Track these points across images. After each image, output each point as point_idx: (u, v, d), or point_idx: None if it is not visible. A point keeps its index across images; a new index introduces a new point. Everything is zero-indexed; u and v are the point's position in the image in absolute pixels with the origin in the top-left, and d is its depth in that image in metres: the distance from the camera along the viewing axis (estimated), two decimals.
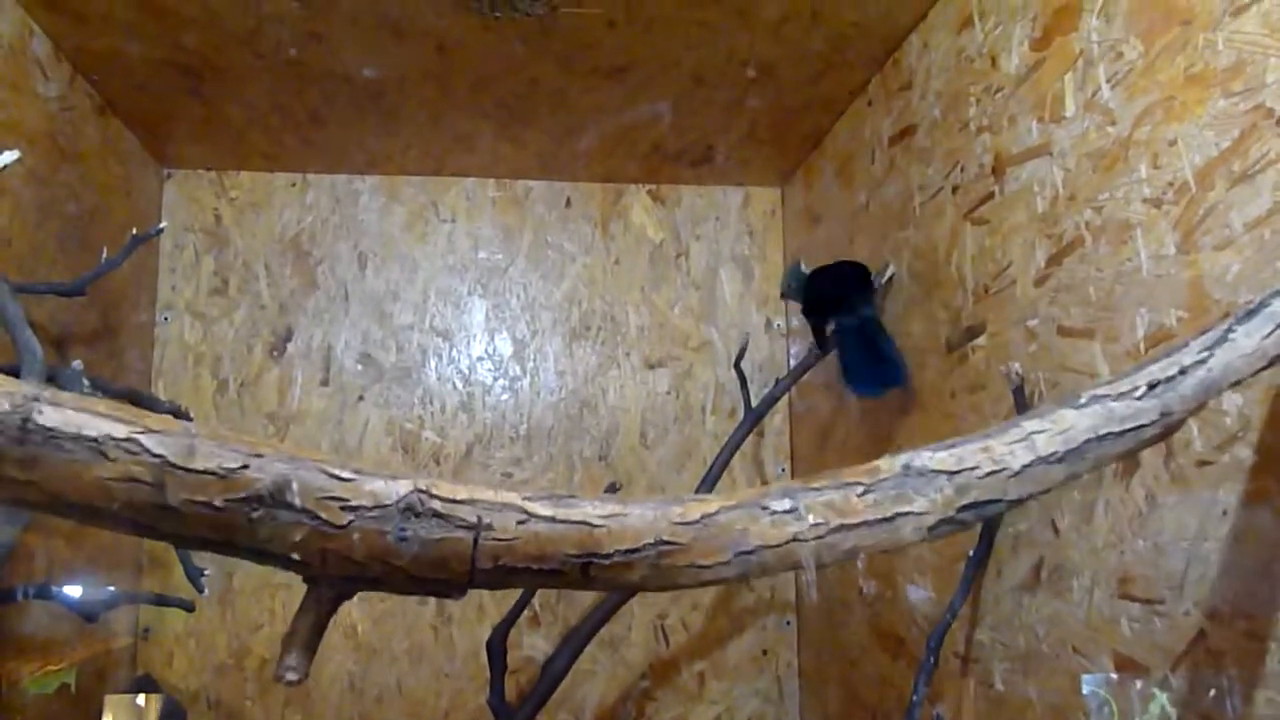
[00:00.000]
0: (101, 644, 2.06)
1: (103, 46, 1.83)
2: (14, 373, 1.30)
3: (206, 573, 1.70)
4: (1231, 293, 1.01)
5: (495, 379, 2.46)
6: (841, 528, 0.84)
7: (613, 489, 1.98)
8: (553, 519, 0.81)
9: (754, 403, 2.05)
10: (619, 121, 2.17)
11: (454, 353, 2.46)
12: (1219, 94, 1.04)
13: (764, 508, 0.84)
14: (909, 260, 1.81)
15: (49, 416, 0.78)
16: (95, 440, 0.78)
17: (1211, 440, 1.03)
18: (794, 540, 0.83)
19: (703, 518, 0.83)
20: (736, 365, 2.07)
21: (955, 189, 1.63)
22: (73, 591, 1.60)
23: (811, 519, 0.84)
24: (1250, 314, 0.89)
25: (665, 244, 2.54)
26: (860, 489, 0.86)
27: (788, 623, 2.44)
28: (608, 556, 0.80)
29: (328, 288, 2.43)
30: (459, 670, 2.34)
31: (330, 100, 2.05)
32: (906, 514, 0.86)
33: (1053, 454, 0.88)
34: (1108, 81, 1.23)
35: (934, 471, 0.87)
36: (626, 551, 0.81)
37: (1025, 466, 0.87)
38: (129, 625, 2.23)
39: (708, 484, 1.99)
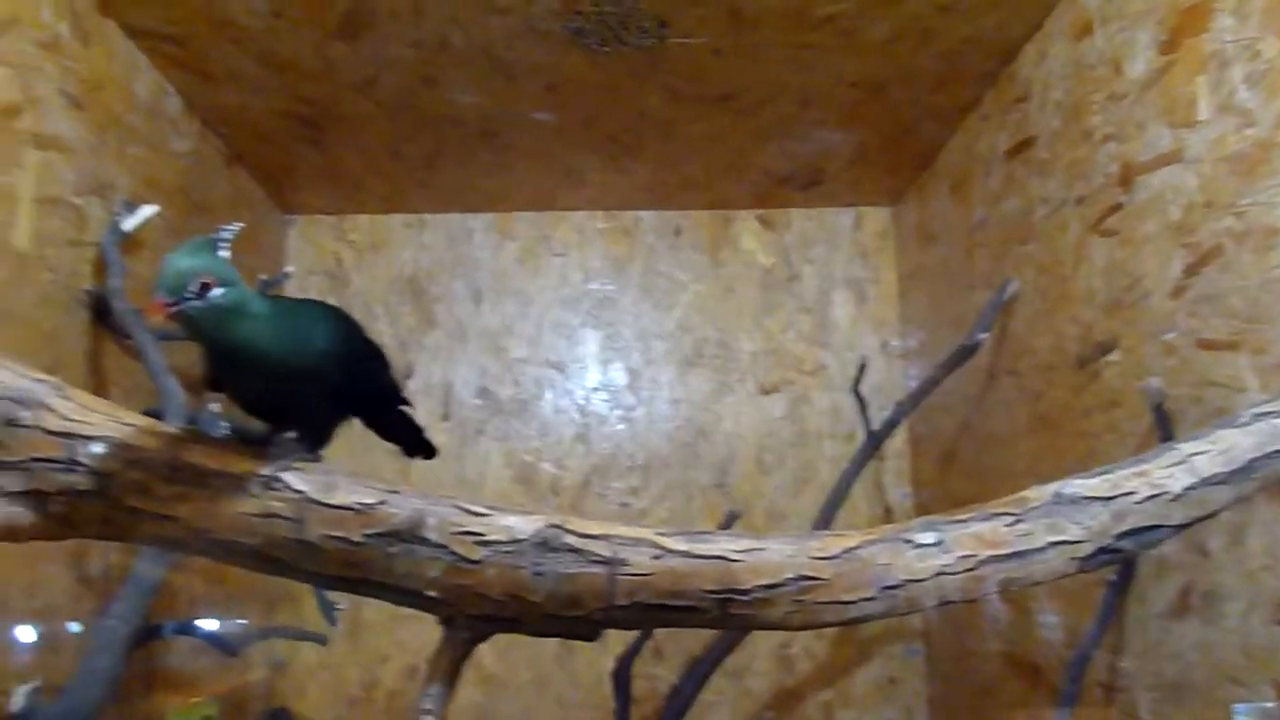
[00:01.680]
0: (239, 677, 2.12)
1: (229, 101, 1.91)
2: (157, 416, 1.36)
3: (340, 607, 1.73)
4: None
5: (610, 409, 2.47)
6: (992, 560, 0.82)
7: (732, 517, 1.96)
8: (688, 554, 0.81)
9: (873, 426, 2.01)
10: (727, 148, 2.17)
11: (569, 384, 2.48)
12: None
13: (907, 541, 0.82)
14: (1032, 276, 1.76)
15: (196, 455, 0.81)
16: (239, 477, 0.81)
17: None
18: (941, 574, 0.80)
19: (844, 552, 0.81)
20: (854, 388, 2.04)
21: (1080, 200, 1.58)
22: (215, 627, 1.66)
23: (959, 551, 0.81)
24: None
25: (776, 268, 2.52)
26: (1009, 519, 0.83)
27: (916, 650, 2.37)
28: (747, 592, 0.79)
29: (445, 325, 2.48)
30: (583, 700, 2.34)
31: (444, 142, 2.10)
32: (1060, 543, 0.83)
33: (1215, 476, 0.83)
34: (1244, 82, 1.18)
35: (1087, 499, 0.84)
36: (766, 587, 0.79)
37: (1187, 489, 0.83)
38: (264, 659, 2.29)
39: (829, 510, 1.95)
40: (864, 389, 2.10)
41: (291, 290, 2.45)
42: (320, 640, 1.76)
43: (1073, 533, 0.85)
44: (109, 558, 1.58)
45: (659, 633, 2.30)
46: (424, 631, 2.40)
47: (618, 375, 2.48)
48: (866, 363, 2.15)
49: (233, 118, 1.97)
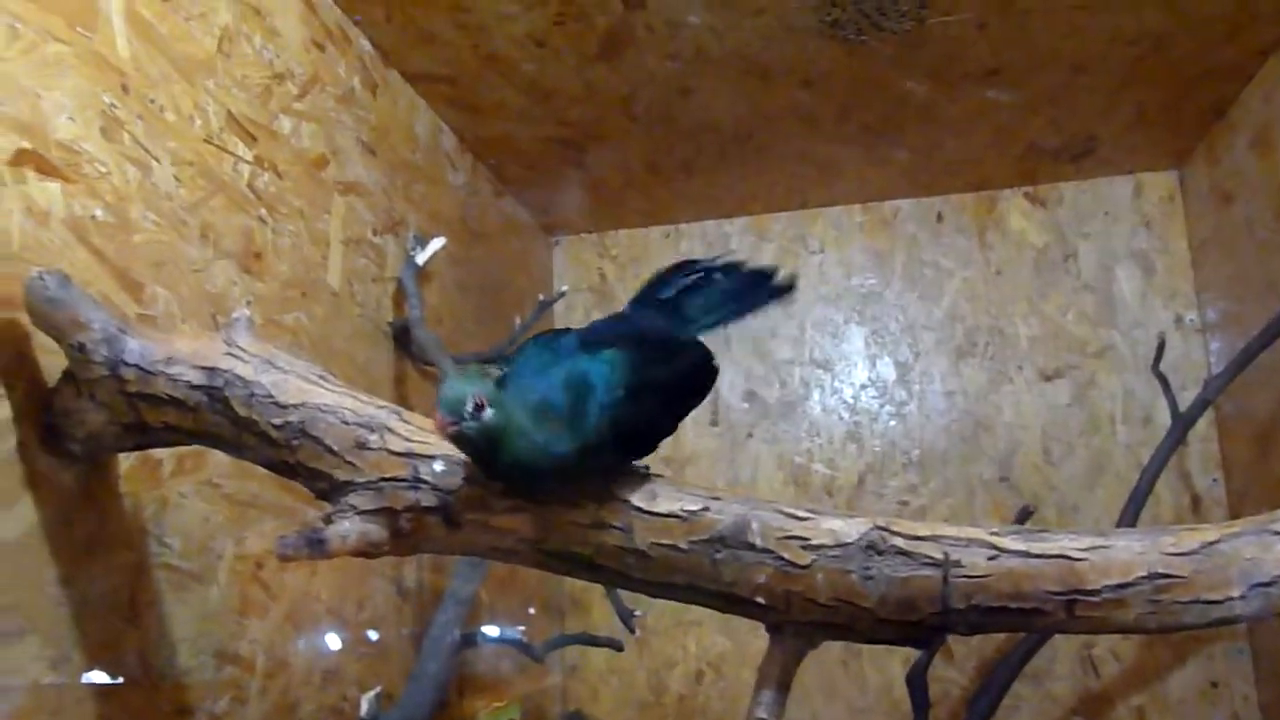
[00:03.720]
0: (538, 682, 2.22)
1: (498, 133, 2.00)
2: None
3: (638, 614, 1.78)
4: None
5: (881, 406, 2.41)
6: None
7: (1025, 513, 1.85)
8: (1027, 554, 0.76)
9: (1181, 409, 1.86)
10: (990, 125, 2.07)
11: (836, 383, 2.44)
12: None
13: (1276, 533, 0.74)
14: None
15: None
16: None
17: None
18: None
19: (1202, 547, 0.75)
20: (1155, 367, 1.90)
21: None
22: (520, 635, 1.74)
23: None
24: None
25: (1050, 247, 2.38)
26: None
27: (1240, 650, 2.17)
28: (1095, 593, 0.74)
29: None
30: (872, 705, 2.29)
31: (699, 150, 2.12)
32: None
33: None
34: None
35: None
36: (1117, 587, 0.74)
37: None
38: (558, 664, 2.38)
39: (1136, 501, 1.82)
40: (1160, 369, 1.95)
41: (559, 307, 2.54)
42: (617, 646, 1.80)
43: None
44: (423, 573, 1.69)
45: (952, 636, 2.22)
46: (708, 636, 2.44)
47: (886, 370, 2.42)
48: (1163, 339, 1.99)
49: (501, 147, 2.07)
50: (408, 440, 0.85)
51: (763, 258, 2.51)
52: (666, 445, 2.50)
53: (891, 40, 1.71)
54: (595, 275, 2.57)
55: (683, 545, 0.80)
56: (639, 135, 2.04)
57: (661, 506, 0.81)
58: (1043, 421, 2.32)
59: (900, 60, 1.78)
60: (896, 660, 2.23)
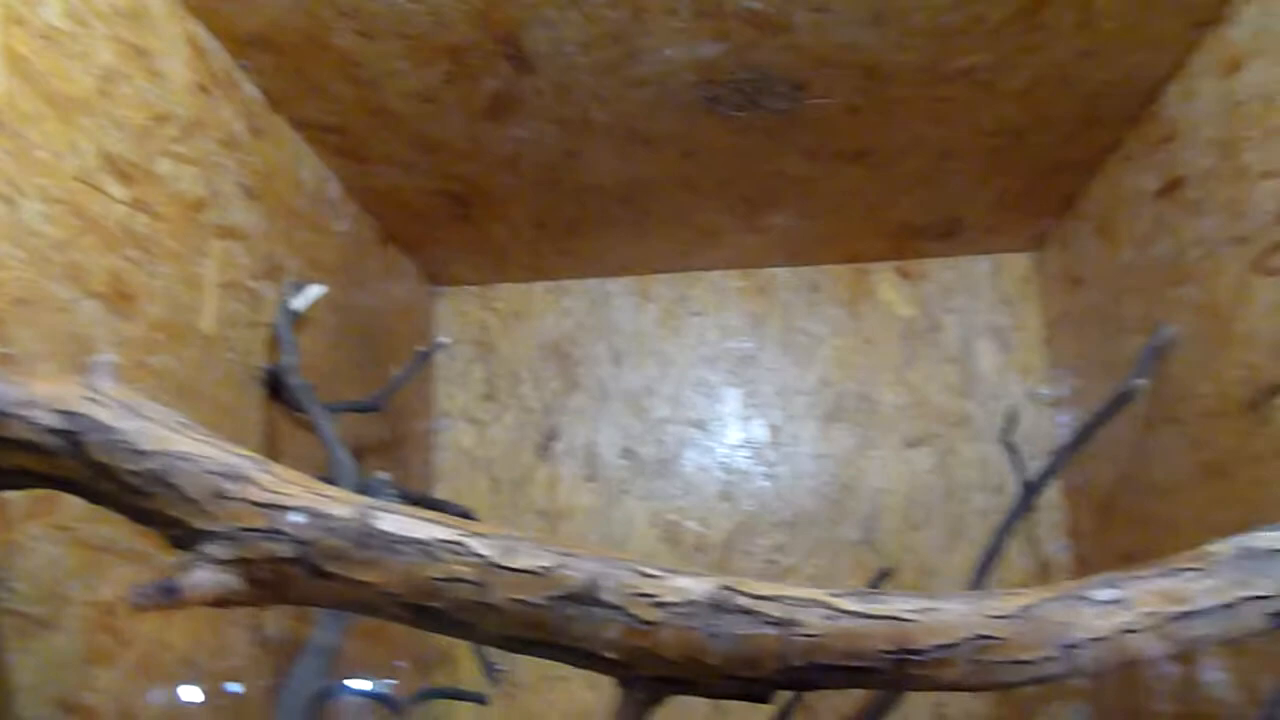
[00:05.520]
0: None
1: (385, 184, 2.02)
2: (331, 485, 1.43)
3: (503, 668, 1.77)
4: None
5: (753, 466, 2.47)
6: (1179, 616, 0.80)
7: (882, 575, 1.93)
8: (861, 614, 0.81)
9: (1028, 478, 1.96)
10: (863, 202, 2.18)
11: (710, 443, 2.50)
12: None
13: (1084, 598, 0.81)
14: (1189, 319, 1.70)
15: (385, 522, 0.86)
16: (425, 543, 0.85)
17: None
18: (1125, 632, 0.79)
19: (1020, 610, 0.80)
20: (1005, 438, 2.00)
21: (1238, 240, 1.53)
22: (382, 688, 1.72)
23: (1141, 609, 0.79)
24: None
25: (916, 320, 2.50)
26: (1193, 574, 0.81)
27: (1081, 710, 2.27)
28: (923, 652, 0.79)
29: (588, 387, 2.54)
30: None
31: (585, 210, 2.17)
32: (1252, 599, 0.80)
33: None
34: None
35: (1276, 551, 0.81)
36: (942, 647, 0.79)
37: None
38: (422, 718, 2.35)
39: (983, 565, 1.91)
40: (1012, 439, 2.06)
41: (442, 358, 2.55)
42: (481, 700, 1.80)
43: (1264, 587, 0.82)
44: (284, 623, 1.66)
45: (811, 694, 2.27)
46: (577, 692, 2.44)
47: (759, 432, 2.49)
48: (1015, 412, 2.10)
49: (387, 198, 2.08)
50: (269, 491, 0.86)
51: (645, 317, 2.56)
52: (542, 499, 2.51)
53: (769, 118, 1.79)
54: (478, 328, 2.59)
55: (536, 600, 0.82)
56: (525, 193, 2.08)
57: (519, 562, 0.83)
58: (905, 487, 2.41)
59: (777, 137, 1.87)
60: (761, 716, 2.26)
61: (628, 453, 2.50)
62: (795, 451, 2.47)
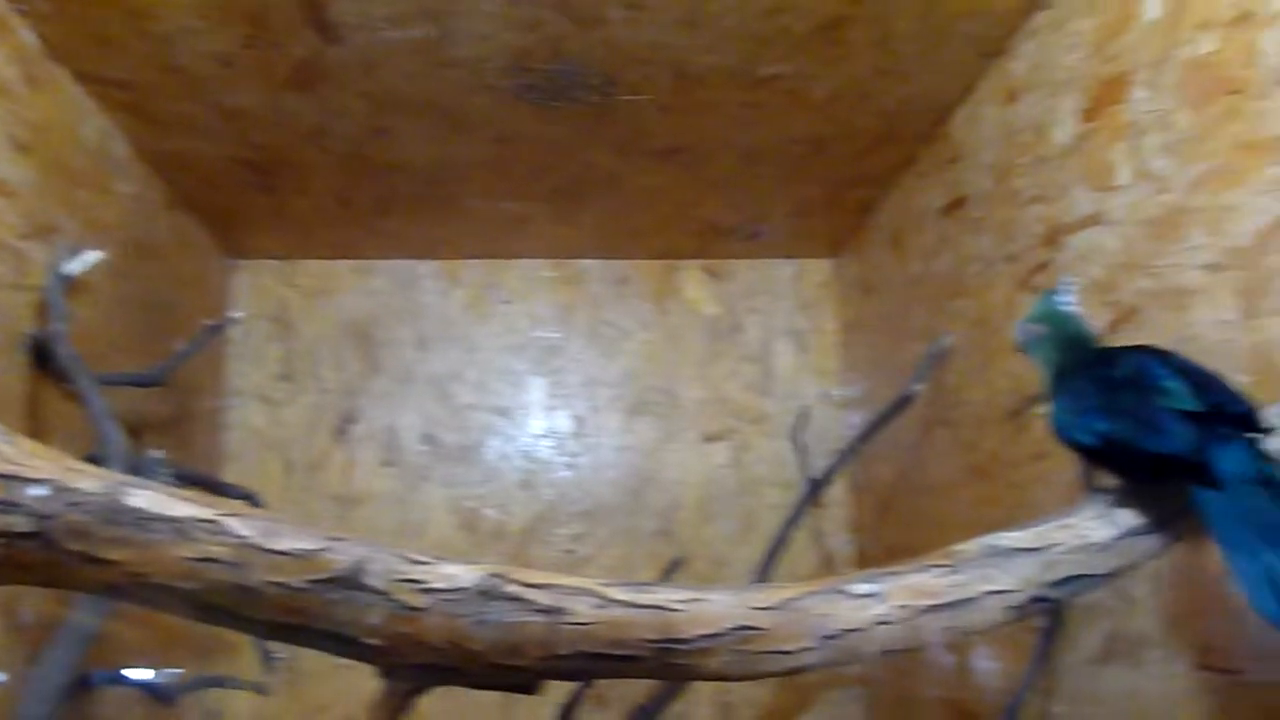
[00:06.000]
0: None
1: (177, 147, 1.91)
2: (98, 461, 1.35)
3: (280, 656, 1.72)
4: None
5: (555, 456, 2.48)
6: (928, 610, 0.85)
7: (675, 564, 1.97)
8: (629, 603, 0.82)
9: (813, 474, 2.05)
10: (672, 200, 2.21)
11: (514, 431, 2.49)
12: (1272, 160, 1.04)
13: (844, 592, 0.85)
14: (965, 329, 1.82)
15: (137, 498, 0.82)
16: (180, 521, 0.81)
17: None
18: (879, 624, 0.83)
19: (783, 603, 0.84)
20: (794, 437, 2.08)
21: (1009, 258, 1.64)
22: (148, 675, 1.63)
23: (895, 602, 0.84)
24: None
25: (720, 318, 2.56)
26: (942, 570, 0.87)
27: (857, 697, 2.39)
28: (687, 642, 0.81)
29: (390, 371, 2.48)
30: None
31: (394, 190, 2.12)
32: (992, 593, 0.86)
33: (1136, 527, 0.88)
34: (1159, 150, 1.24)
35: (1016, 550, 0.87)
36: (706, 637, 0.81)
37: (1111, 540, 0.87)
38: (197, 710, 2.25)
39: (769, 558, 1.98)
40: (806, 438, 2.14)
41: (236, 334, 2.44)
42: (260, 690, 1.74)
43: (1004, 583, 0.89)
44: (42, 607, 1.55)
45: (602, 682, 2.30)
46: (363, 681, 2.36)
47: (563, 422, 2.50)
48: (807, 411, 2.19)
49: (180, 162, 1.97)
50: (10, 463, 0.80)
51: (453, 302, 2.53)
52: (337, 484, 2.43)
53: (581, 111, 1.80)
54: (277, 304, 2.49)
55: (297, 584, 0.80)
56: (331, 168, 2.01)
57: (279, 544, 0.80)
58: (702, 480, 2.47)
59: (589, 130, 1.87)
60: (552, 706, 2.27)
61: (428, 438, 2.46)
62: (598, 443, 2.49)
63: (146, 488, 0.84)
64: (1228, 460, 0.81)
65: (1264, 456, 0.84)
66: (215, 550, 0.79)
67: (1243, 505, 0.79)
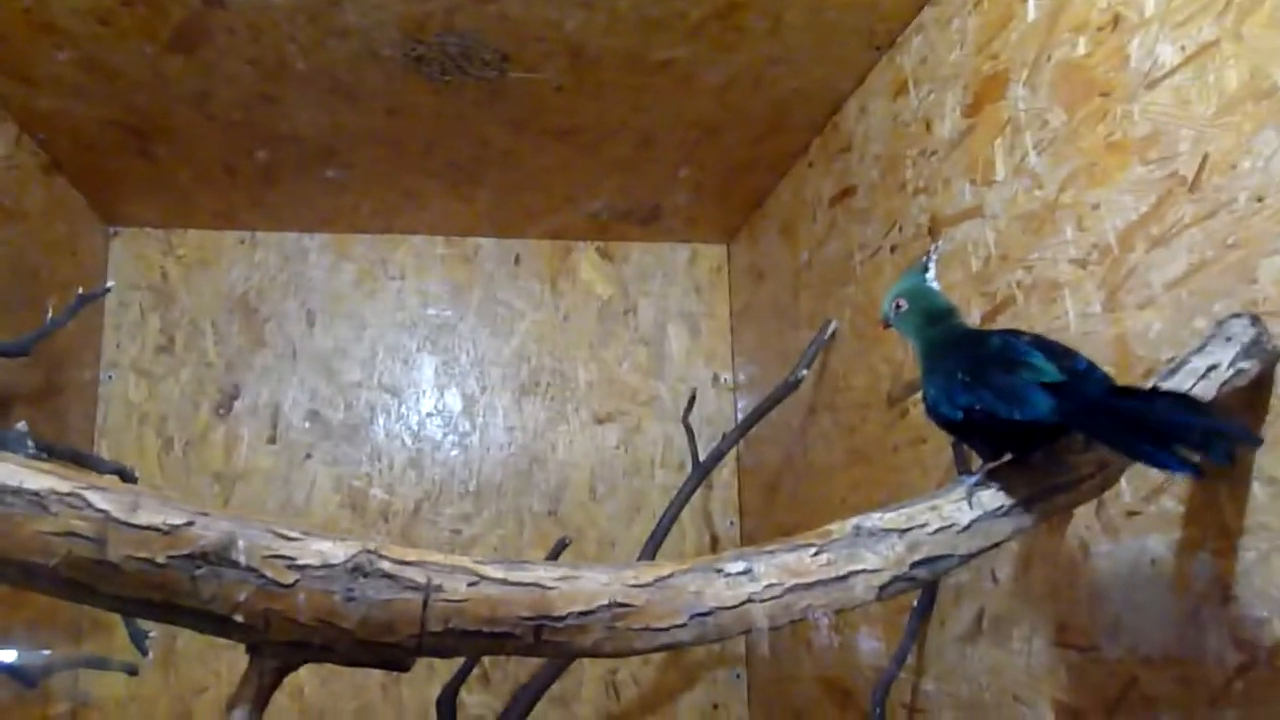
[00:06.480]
0: (39, 711, 2.01)
1: (50, 107, 1.83)
2: None
3: (151, 635, 1.67)
4: (1154, 350, 1.06)
5: (444, 435, 2.46)
6: (796, 588, 0.87)
7: (562, 544, 1.98)
8: (504, 581, 0.82)
9: (701, 457, 2.07)
10: (568, 180, 2.21)
11: (403, 409, 2.46)
12: (1136, 161, 1.09)
13: (718, 570, 0.86)
14: (850, 317, 1.86)
15: None
16: (37, 494, 0.78)
17: (1139, 491, 1.07)
18: (749, 601, 0.85)
19: (656, 580, 0.84)
20: (684, 419, 2.10)
21: (894, 248, 1.68)
22: (9, 656, 1.57)
23: (766, 580, 0.86)
24: (1172, 372, 0.93)
25: (614, 300, 2.57)
26: (813, 550, 0.88)
27: (738, 675, 2.44)
28: (561, 619, 0.81)
29: (275, 345, 2.43)
30: None
31: (280, 160, 2.07)
32: (859, 572, 0.88)
33: (999, 508, 0.91)
34: (1034, 148, 1.29)
35: (885, 530, 0.90)
36: (580, 614, 0.82)
37: (973, 522, 0.90)
38: (68, 691, 2.17)
39: (656, 538, 2.00)
40: (696, 421, 2.16)
41: (112, 305, 2.35)
42: (130, 670, 1.68)
43: (871, 562, 0.91)
44: None
45: (486, 660, 2.29)
46: (242, 661, 2.32)
47: (453, 401, 2.48)
48: (696, 394, 2.21)
49: (54, 123, 1.89)
50: None
51: (342, 277, 2.48)
52: (218, 460, 2.37)
53: (476, 87, 1.78)
54: (157, 274, 2.41)
55: (160, 559, 0.77)
56: (214, 135, 1.95)
57: (142, 519, 0.78)
58: (592, 461, 2.48)
59: (483, 106, 1.86)
60: (436, 685, 2.26)
61: (313, 415, 2.41)
62: (488, 422, 2.48)
63: (3, 460, 0.80)
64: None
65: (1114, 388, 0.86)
66: (75, 524, 0.76)
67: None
